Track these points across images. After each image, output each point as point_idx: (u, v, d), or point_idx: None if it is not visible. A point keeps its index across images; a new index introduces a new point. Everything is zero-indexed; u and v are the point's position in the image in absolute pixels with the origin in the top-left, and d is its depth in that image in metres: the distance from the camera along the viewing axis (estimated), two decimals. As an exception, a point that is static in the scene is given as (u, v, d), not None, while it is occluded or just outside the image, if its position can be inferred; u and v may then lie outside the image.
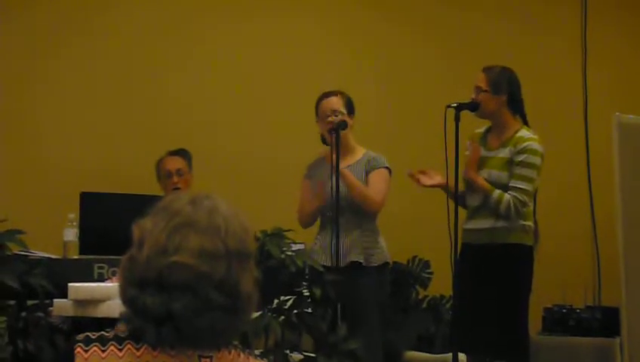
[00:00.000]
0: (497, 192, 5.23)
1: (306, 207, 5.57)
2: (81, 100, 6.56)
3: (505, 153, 5.29)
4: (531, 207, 5.32)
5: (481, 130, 5.47)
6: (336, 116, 5.49)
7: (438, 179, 5.32)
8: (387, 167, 5.59)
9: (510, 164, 5.27)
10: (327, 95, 5.57)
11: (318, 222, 5.64)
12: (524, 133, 5.30)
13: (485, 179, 5.29)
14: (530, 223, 5.30)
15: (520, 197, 5.22)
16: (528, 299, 5.29)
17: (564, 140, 7.66)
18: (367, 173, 5.55)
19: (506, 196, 5.22)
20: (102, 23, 6.64)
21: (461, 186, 5.32)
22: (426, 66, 7.45)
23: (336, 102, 5.54)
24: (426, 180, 5.36)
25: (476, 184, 5.27)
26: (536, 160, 5.27)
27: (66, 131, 6.51)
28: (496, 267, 5.24)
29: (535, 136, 5.30)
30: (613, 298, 6.49)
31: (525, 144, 5.26)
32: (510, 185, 5.24)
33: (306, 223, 5.62)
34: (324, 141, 5.59)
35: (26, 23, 6.49)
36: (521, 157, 5.24)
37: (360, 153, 5.62)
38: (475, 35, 7.55)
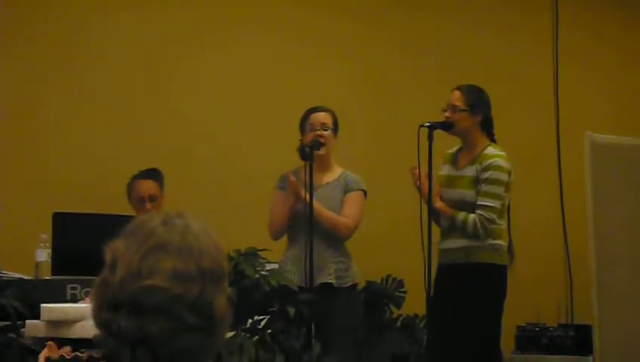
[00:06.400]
0: (461, 214, 5.25)
1: (277, 217, 5.55)
2: (54, 121, 6.54)
3: (471, 171, 5.31)
4: (503, 226, 5.32)
5: (453, 150, 5.49)
6: (325, 130, 5.50)
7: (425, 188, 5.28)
8: (364, 190, 5.59)
9: (476, 182, 5.28)
10: (317, 109, 5.58)
11: (285, 238, 5.62)
12: (490, 150, 5.32)
13: (455, 199, 5.30)
14: (500, 242, 5.29)
15: (487, 215, 5.22)
16: (501, 318, 5.30)
17: (537, 159, 7.70)
18: (344, 193, 5.55)
19: (471, 216, 5.23)
20: (81, 48, 6.63)
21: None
22: (402, 82, 7.47)
23: (325, 117, 5.56)
24: (423, 183, 5.24)
25: (441, 212, 5.28)
26: (502, 176, 5.27)
27: (38, 151, 6.49)
28: (467, 286, 5.25)
29: (501, 153, 5.31)
30: (586, 316, 6.52)
31: (490, 161, 5.27)
32: (477, 203, 5.25)
33: (276, 234, 5.60)
34: (302, 156, 5.58)
35: (16, 43, 6.49)
36: (486, 175, 5.26)
37: (337, 172, 5.63)
38: (449, 50, 7.58)
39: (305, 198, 5.33)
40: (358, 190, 5.57)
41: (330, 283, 5.42)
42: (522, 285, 6.46)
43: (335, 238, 5.49)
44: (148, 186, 5.88)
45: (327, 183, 5.57)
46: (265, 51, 7.13)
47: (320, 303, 5.22)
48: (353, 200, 5.55)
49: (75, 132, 6.58)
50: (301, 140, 5.59)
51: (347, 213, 5.51)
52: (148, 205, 5.81)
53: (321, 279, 5.40)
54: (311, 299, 5.15)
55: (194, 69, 6.93)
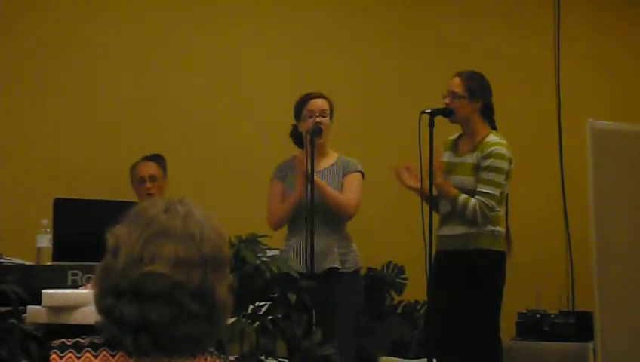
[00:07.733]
0: (463, 197, 5.25)
1: (278, 208, 5.55)
2: (56, 108, 6.54)
3: (472, 158, 5.31)
4: (502, 212, 5.33)
5: (454, 136, 5.49)
6: (324, 117, 5.49)
7: (416, 183, 5.32)
8: (361, 172, 5.60)
9: (477, 169, 5.28)
10: (315, 95, 5.56)
11: (286, 226, 5.62)
12: (491, 138, 5.32)
13: (455, 186, 5.30)
14: (499, 229, 5.30)
15: (486, 202, 5.23)
16: (500, 304, 5.31)
17: (538, 146, 7.70)
18: (343, 176, 5.56)
19: (472, 201, 5.23)
20: (82, 34, 6.62)
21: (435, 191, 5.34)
22: (402, 70, 7.46)
23: (324, 104, 5.54)
24: (408, 180, 5.33)
25: (443, 189, 5.29)
26: (503, 164, 5.27)
27: (39, 137, 6.48)
28: (466, 273, 5.26)
29: (502, 141, 5.32)
30: (587, 303, 6.52)
31: (491, 148, 5.27)
32: (477, 190, 5.25)
33: (276, 225, 5.60)
34: (297, 142, 5.58)
35: (17, 30, 6.48)
36: (487, 162, 5.26)
37: (334, 157, 5.63)
38: (450, 38, 7.58)
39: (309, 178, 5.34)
40: (356, 172, 5.58)
41: (337, 268, 5.42)
42: (523, 272, 6.47)
43: (337, 222, 5.48)
44: (149, 167, 5.93)
45: (325, 168, 5.57)
46: (264, 39, 7.12)
47: (322, 289, 5.22)
48: (353, 181, 5.55)
49: (77, 118, 6.57)
50: (294, 125, 5.58)
51: (349, 194, 5.52)
52: (148, 184, 5.83)
53: (327, 264, 5.40)
54: (312, 286, 5.15)
55: (194, 57, 6.92)
